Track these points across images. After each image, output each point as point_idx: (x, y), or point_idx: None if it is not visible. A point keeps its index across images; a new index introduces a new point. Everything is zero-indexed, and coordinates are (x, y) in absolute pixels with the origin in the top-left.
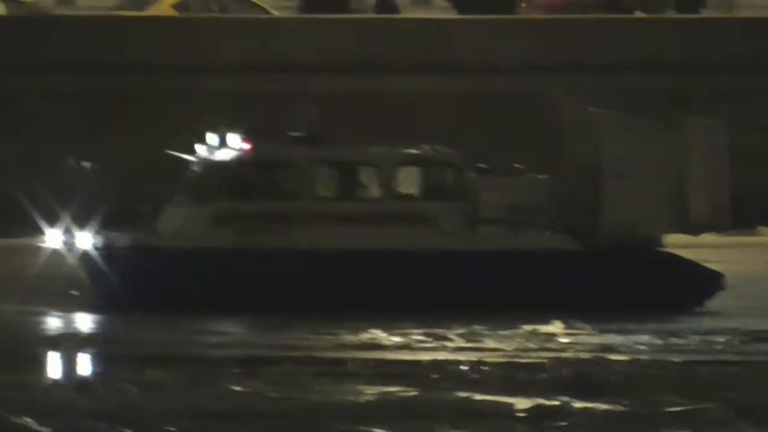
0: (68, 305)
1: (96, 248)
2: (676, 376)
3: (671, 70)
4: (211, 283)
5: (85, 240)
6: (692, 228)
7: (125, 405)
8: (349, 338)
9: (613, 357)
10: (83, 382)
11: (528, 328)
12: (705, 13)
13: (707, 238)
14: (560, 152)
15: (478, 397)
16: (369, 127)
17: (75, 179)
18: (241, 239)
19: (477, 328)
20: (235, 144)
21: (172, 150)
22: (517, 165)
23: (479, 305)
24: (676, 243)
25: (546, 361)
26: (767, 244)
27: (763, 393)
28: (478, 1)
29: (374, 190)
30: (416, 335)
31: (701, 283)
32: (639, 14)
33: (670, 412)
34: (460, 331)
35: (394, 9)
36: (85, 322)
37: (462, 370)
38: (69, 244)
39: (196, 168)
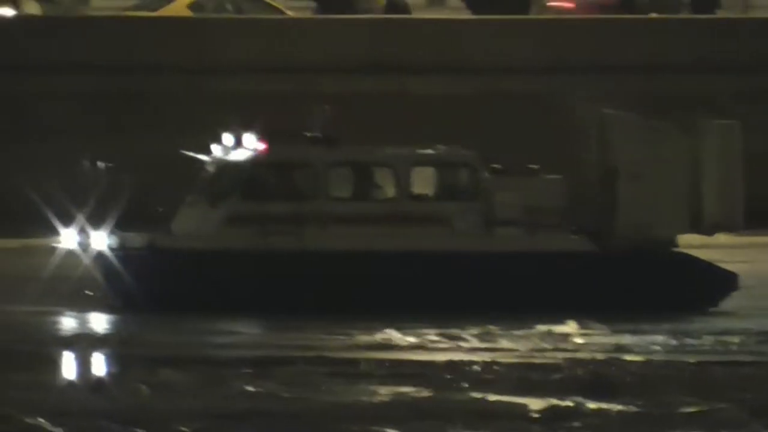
0: (82, 306)
1: (110, 249)
2: (690, 376)
3: (685, 70)
4: (225, 284)
5: (100, 240)
6: (706, 228)
7: (138, 405)
8: (363, 338)
9: (628, 357)
10: (97, 382)
11: (542, 328)
12: (720, 14)
13: (721, 238)
14: (575, 153)
15: (492, 397)
16: (383, 128)
17: (90, 180)
18: (255, 240)
19: (491, 328)
20: (250, 145)
21: (187, 151)
22: (531, 166)
23: (493, 306)
24: (691, 243)
25: (560, 361)
26: None
27: None
28: (492, 1)
29: (389, 191)
30: (431, 335)
31: (715, 284)
32: (653, 15)
33: (684, 412)
34: (475, 331)
35: (405, 9)
36: (99, 322)
37: (476, 371)
38: (84, 245)
39: (210, 169)
